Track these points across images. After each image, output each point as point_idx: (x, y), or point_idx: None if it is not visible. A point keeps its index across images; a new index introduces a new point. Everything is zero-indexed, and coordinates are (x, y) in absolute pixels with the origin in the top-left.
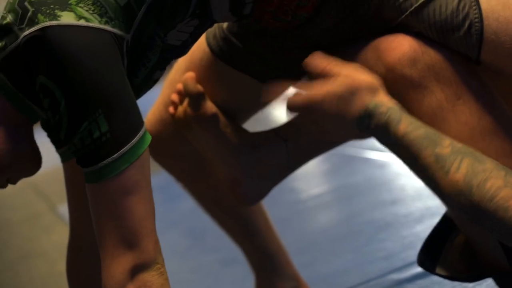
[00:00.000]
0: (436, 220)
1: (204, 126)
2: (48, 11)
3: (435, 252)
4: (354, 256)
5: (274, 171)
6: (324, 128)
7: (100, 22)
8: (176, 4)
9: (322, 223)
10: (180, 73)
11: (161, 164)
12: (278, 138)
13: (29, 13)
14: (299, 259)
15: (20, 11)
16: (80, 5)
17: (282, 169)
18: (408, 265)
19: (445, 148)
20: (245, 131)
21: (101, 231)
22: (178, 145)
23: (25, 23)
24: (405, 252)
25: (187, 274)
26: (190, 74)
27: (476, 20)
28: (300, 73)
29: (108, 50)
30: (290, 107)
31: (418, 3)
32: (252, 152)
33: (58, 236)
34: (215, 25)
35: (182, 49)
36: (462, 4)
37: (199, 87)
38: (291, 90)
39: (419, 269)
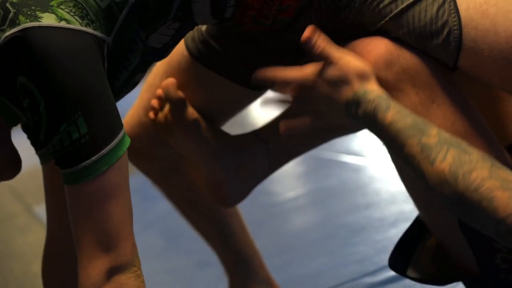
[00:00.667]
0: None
1: (186, 131)
2: (29, 13)
3: (407, 254)
4: (328, 259)
5: (255, 173)
6: (318, 109)
7: (81, 24)
8: (158, 7)
9: (297, 226)
10: (159, 76)
11: (137, 167)
12: (259, 141)
13: (11, 14)
14: (274, 262)
15: (2, 12)
16: (61, 7)
17: (263, 170)
18: (381, 269)
19: (432, 137)
20: (226, 135)
21: (79, 232)
22: (155, 148)
23: (6, 24)
24: (378, 256)
25: (161, 276)
26: (171, 81)
27: (455, 27)
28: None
29: (89, 52)
30: (283, 87)
31: (398, 9)
32: (234, 156)
33: (34, 237)
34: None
35: (163, 52)
36: (441, 12)
37: (180, 94)
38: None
39: (391, 273)
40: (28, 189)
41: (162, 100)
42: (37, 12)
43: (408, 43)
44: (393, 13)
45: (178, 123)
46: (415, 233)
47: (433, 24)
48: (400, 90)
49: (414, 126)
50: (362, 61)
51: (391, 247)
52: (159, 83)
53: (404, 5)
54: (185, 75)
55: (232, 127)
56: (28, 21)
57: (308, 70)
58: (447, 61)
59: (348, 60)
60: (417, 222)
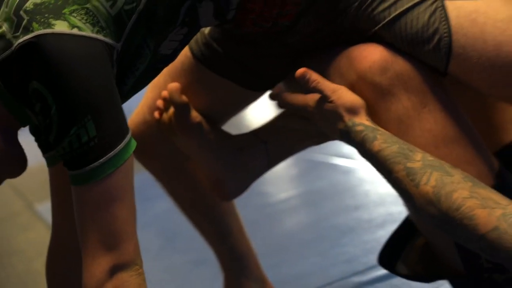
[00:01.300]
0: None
1: (189, 133)
2: (42, 20)
3: (396, 252)
4: (318, 259)
5: (254, 170)
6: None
7: (92, 31)
8: (166, 13)
9: (289, 226)
10: (163, 77)
11: (142, 163)
12: (258, 141)
13: (24, 22)
14: (267, 261)
15: (16, 20)
16: (73, 14)
17: (262, 168)
18: (369, 268)
19: (416, 162)
20: (227, 135)
21: (84, 232)
22: (159, 146)
23: (20, 31)
24: (366, 256)
25: (159, 273)
26: (175, 85)
27: (445, 34)
28: (277, 79)
29: (99, 58)
30: (285, 103)
31: (391, 16)
32: (234, 155)
33: (36, 234)
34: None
35: (173, 57)
36: (432, 19)
37: (184, 98)
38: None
39: (379, 273)
40: (30, 187)
41: (167, 101)
42: (50, 20)
43: (401, 48)
44: (386, 20)
45: (182, 125)
46: (405, 232)
47: (424, 31)
48: (394, 95)
49: (399, 152)
50: (352, 95)
51: (379, 248)
52: (163, 83)
53: (397, 12)
54: (188, 76)
55: (228, 127)
56: (41, 28)
57: (309, 99)
58: (438, 66)
59: (339, 94)
60: (407, 222)
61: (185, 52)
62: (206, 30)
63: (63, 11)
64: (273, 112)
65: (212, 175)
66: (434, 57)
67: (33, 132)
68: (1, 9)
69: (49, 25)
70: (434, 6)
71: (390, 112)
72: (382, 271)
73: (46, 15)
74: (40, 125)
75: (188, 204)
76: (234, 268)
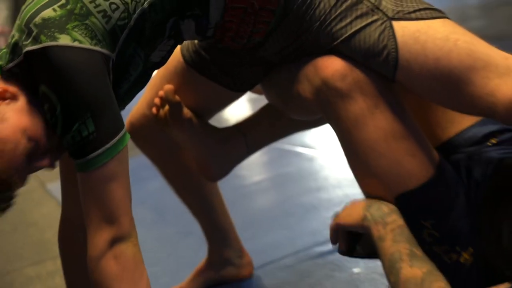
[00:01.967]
0: None
1: (180, 127)
2: (49, 33)
3: (353, 239)
4: (286, 232)
5: (235, 157)
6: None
7: (90, 44)
8: (153, 29)
9: (261, 204)
10: (159, 78)
11: (141, 149)
12: (239, 133)
13: (34, 33)
14: (243, 233)
15: (26, 31)
16: (75, 29)
17: (242, 155)
18: (329, 240)
19: (419, 252)
20: (213, 128)
21: (88, 210)
22: (156, 136)
23: (29, 40)
24: (327, 230)
25: (151, 243)
26: (170, 87)
27: (393, 50)
28: (255, 82)
29: (97, 66)
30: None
31: (347, 34)
32: (218, 144)
33: (47, 209)
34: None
35: (161, 64)
36: (381, 37)
37: (177, 98)
38: None
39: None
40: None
41: (163, 100)
42: (55, 34)
43: (357, 60)
44: (344, 37)
45: (175, 121)
46: None
47: (375, 46)
48: (352, 98)
49: (412, 240)
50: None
51: None
52: (159, 84)
53: (353, 30)
54: (181, 78)
55: (211, 121)
56: (48, 40)
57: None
58: (387, 75)
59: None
60: None
61: (178, 58)
62: (196, 40)
63: (66, 26)
64: (248, 110)
65: (200, 161)
66: (384, 68)
67: None
68: (16, 20)
69: (55, 38)
70: (383, 25)
71: (349, 112)
72: None
73: (52, 29)
74: (48, 122)
75: (180, 185)
76: (217, 238)
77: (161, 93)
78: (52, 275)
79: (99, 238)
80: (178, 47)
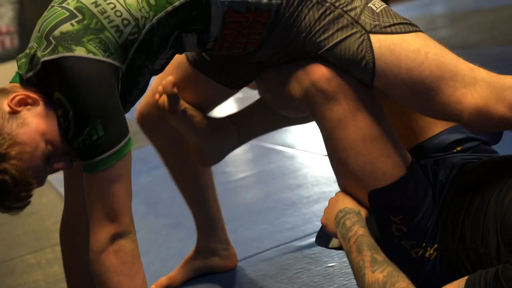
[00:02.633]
0: None
1: (177, 117)
2: (66, 45)
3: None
4: (268, 226)
5: (228, 146)
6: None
7: (103, 56)
8: (159, 42)
9: (245, 199)
10: (165, 72)
11: (147, 136)
12: (232, 124)
13: (52, 45)
14: (228, 226)
15: (46, 42)
16: (90, 42)
17: (234, 145)
18: (307, 235)
19: (380, 257)
20: (208, 118)
21: (92, 207)
22: (160, 122)
23: (47, 50)
24: (305, 225)
25: (143, 234)
26: (169, 79)
27: (370, 61)
28: (249, 80)
29: (108, 77)
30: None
31: (330, 44)
32: (213, 133)
33: (48, 199)
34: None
35: (160, 70)
36: (360, 48)
37: (175, 90)
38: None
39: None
40: None
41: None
42: (72, 46)
43: (340, 67)
44: (326, 47)
45: (172, 111)
46: None
47: (355, 57)
48: (336, 100)
49: (373, 245)
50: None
51: (314, 219)
52: (164, 76)
53: (334, 42)
54: (182, 74)
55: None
56: (65, 51)
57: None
58: (366, 82)
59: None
60: None
61: (182, 57)
62: (196, 51)
63: (82, 39)
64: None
65: (195, 148)
66: (363, 76)
67: None
68: (34, 32)
69: (71, 50)
70: (361, 38)
71: (333, 112)
72: None
73: (69, 41)
74: (61, 126)
75: (177, 171)
76: (206, 229)
77: (163, 83)
78: (51, 263)
79: (101, 233)
80: None
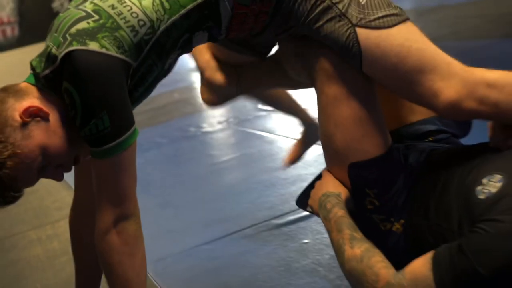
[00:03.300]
0: (305, 184)
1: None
2: (81, 40)
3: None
4: (248, 206)
5: (226, 92)
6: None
7: (116, 52)
8: (171, 43)
9: (228, 180)
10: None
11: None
12: (235, 73)
13: (68, 41)
14: (211, 205)
15: (62, 40)
16: (104, 38)
17: (232, 92)
18: (284, 214)
19: (358, 235)
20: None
21: (99, 192)
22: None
23: (64, 46)
24: (283, 205)
25: None
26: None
27: (357, 52)
28: (257, 52)
29: (117, 71)
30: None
31: (322, 34)
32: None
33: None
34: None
35: (168, 71)
36: (347, 41)
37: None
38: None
39: (291, 217)
40: None
41: None
42: (86, 40)
43: (329, 46)
44: (320, 35)
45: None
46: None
47: (345, 47)
48: (336, 79)
49: (352, 225)
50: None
51: (291, 199)
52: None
53: (325, 32)
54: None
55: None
56: (79, 45)
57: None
58: (357, 68)
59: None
60: (318, 177)
61: None
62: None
63: (97, 36)
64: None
65: (201, 85)
66: (353, 63)
67: None
68: (51, 33)
69: (85, 44)
70: (348, 31)
71: (331, 89)
72: (294, 216)
73: (84, 37)
74: (69, 115)
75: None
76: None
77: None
78: (51, 239)
79: (106, 216)
80: None
